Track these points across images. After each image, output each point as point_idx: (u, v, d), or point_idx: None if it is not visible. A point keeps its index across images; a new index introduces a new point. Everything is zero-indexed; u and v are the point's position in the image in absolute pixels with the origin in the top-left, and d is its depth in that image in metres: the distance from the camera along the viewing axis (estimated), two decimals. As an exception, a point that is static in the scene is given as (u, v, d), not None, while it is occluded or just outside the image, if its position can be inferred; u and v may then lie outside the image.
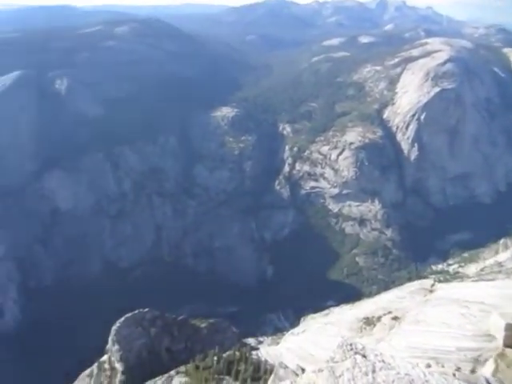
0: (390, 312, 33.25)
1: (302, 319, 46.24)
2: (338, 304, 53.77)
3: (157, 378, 32.96)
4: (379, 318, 33.08)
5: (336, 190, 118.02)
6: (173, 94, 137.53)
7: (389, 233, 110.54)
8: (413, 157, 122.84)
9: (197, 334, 40.06)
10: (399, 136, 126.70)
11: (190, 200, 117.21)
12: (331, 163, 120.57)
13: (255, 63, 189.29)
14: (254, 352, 37.25)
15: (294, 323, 61.50)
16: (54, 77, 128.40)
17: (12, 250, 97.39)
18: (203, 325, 40.95)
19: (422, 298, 32.96)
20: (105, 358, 36.25)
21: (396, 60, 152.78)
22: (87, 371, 38.18)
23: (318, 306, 63.67)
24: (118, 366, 33.93)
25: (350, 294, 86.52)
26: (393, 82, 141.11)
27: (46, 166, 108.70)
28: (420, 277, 72.23)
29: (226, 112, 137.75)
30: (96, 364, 37.08)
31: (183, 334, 38.80)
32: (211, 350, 36.89)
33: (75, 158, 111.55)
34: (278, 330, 75.31)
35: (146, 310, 36.99)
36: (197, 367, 33.65)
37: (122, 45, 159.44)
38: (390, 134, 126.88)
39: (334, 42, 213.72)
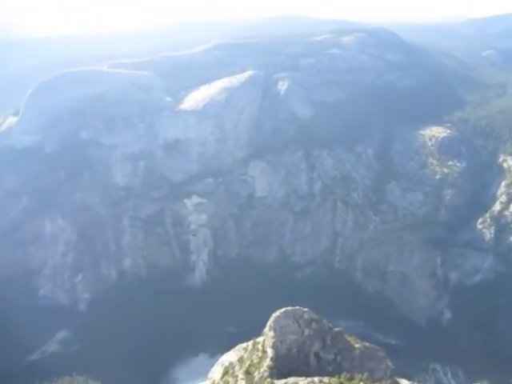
0: None
1: (475, 385, 38.85)
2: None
3: (300, 378, 33.43)
4: None
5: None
6: (382, 105, 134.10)
7: None
8: None
9: (348, 352, 38.58)
10: None
11: (373, 215, 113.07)
12: None
13: (488, 81, 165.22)
14: (405, 396, 33.42)
15: (462, 385, 52.49)
16: (277, 78, 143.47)
17: (211, 220, 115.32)
18: (357, 345, 39.07)
19: None
20: (260, 339, 38.93)
21: None
22: (244, 344, 41.88)
23: (500, 379, 52.58)
24: (269, 352, 35.90)
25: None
26: None
27: (253, 156, 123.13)
28: None
29: (436, 131, 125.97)
30: (252, 341, 40.26)
31: (335, 346, 37.97)
32: (360, 373, 35.00)
33: (278, 152, 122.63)
34: (440, 385, 65.85)
35: (306, 309, 37.70)
36: (341, 384, 32.53)
37: (345, 53, 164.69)
38: None
39: None
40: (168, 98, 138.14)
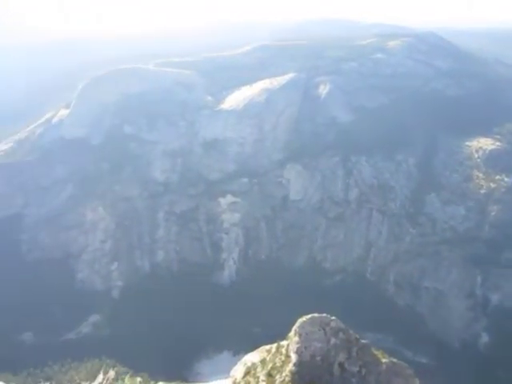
0: None
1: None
2: None
3: (322, 387, 32.91)
4: None
5: None
6: (427, 113, 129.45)
7: None
8: None
9: (374, 366, 37.51)
10: None
11: (410, 227, 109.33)
12: None
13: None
14: (432, 418, 32.05)
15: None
16: (319, 82, 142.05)
17: (244, 219, 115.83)
18: (384, 360, 37.93)
19: None
20: (284, 343, 38.69)
21: None
22: (267, 346, 41.79)
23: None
24: (293, 357, 35.60)
25: None
26: None
27: (290, 158, 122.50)
28: None
29: (484, 143, 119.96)
30: (276, 344, 40.09)
31: (361, 358, 37.05)
32: (384, 389, 33.99)
33: (315, 156, 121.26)
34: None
35: (333, 317, 37.07)
36: (364, 398, 31.73)
37: (390, 58, 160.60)
38: None
39: None
40: (209, 98, 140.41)
